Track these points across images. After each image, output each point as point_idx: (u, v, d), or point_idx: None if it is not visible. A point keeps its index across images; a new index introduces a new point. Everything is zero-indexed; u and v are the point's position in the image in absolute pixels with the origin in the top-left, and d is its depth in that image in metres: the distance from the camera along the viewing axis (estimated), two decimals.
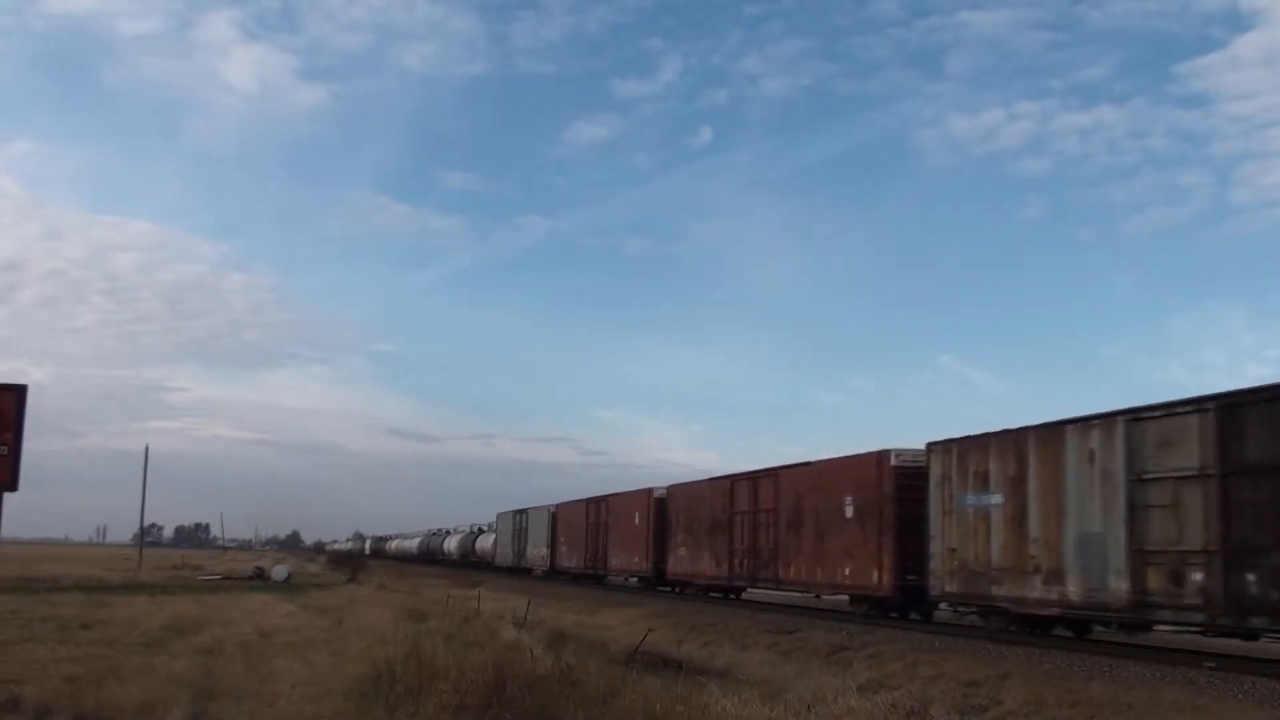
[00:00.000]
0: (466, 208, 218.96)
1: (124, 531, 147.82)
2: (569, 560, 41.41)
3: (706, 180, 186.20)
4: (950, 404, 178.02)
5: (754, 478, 26.23)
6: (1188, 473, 13.46)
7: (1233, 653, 14.34)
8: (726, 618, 21.79)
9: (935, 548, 18.52)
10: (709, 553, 28.24)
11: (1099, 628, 16.49)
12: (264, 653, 14.17)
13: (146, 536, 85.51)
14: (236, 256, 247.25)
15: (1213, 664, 13.27)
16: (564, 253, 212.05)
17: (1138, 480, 14.18)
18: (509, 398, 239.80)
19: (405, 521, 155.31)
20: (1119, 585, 14.35)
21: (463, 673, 10.22)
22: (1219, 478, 13.01)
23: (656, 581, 32.46)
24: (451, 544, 64.73)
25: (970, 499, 17.61)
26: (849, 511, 21.19)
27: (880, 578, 20.09)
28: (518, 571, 48.02)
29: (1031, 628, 16.81)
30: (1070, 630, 16.81)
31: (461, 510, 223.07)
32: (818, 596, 24.46)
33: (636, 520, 33.87)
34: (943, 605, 19.34)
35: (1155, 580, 13.82)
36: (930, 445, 18.99)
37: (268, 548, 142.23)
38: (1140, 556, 14.05)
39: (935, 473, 18.68)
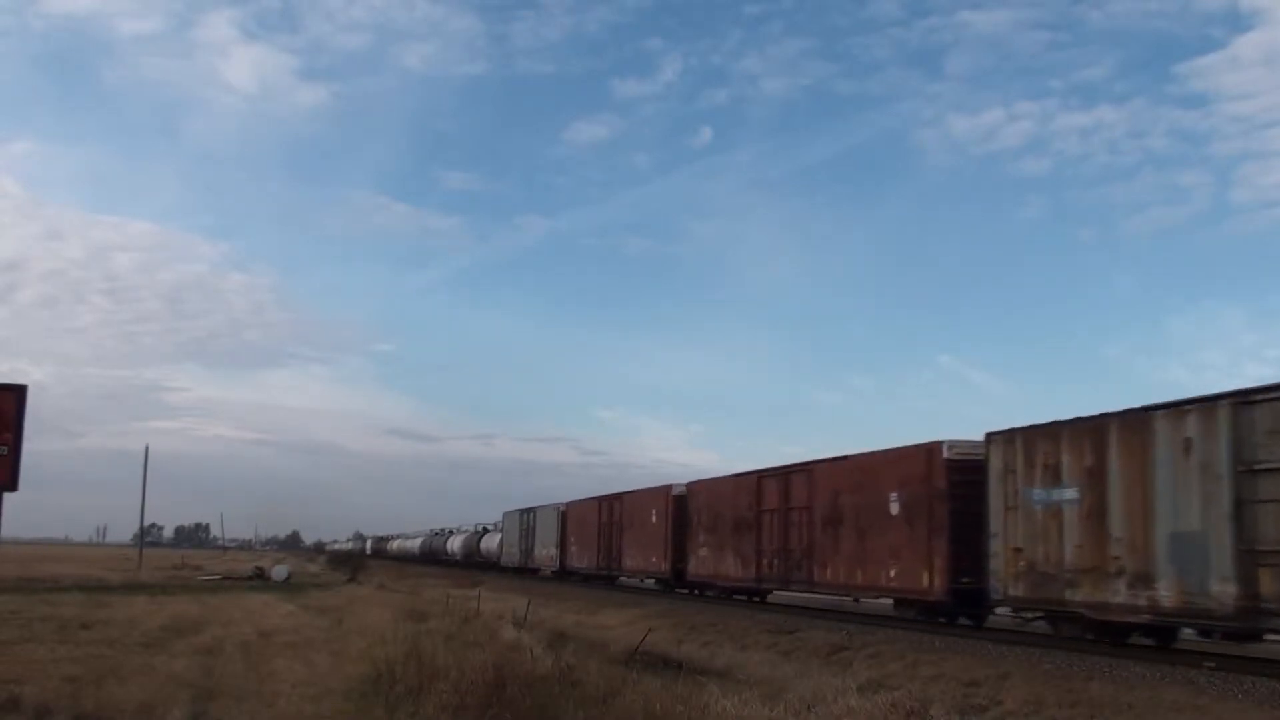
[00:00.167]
0: (466, 208, 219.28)
1: (124, 531, 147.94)
2: (580, 561, 40.16)
3: (706, 180, 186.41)
4: (950, 404, 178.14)
5: (785, 473, 24.64)
6: None
7: (1233, 653, 14.29)
8: (726, 618, 21.78)
9: (996, 547, 16.98)
10: (734, 553, 26.73)
11: (1191, 635, 15.26)
12: (264, 653, 14.17)
13: (146, 536, 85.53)
14: (236, 256, 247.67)
15: (1213, 664, 13.23)
16: (564, 253, 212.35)
17: (1246, 472, 12.75)
18: (509, 398, 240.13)
19: (405, 521, 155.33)
20: (1224, 590, 12.91)
21: (463, 673, 10.22)
22: None
23: (675, 583, 31.18)
24: (455, 544, 63.92)
25: (1038, 494, 16.12)
26: (894, 508, 19.71)
27: (931, 580, 18.54)
28: (525, 572, 47.04)
29: (1110, 635, 15.34)
30: (1151, 638, 15.47)
31: (461, 510, 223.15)
32: (856, 600, 23.04)
33: (653, 519, 32.46)
34: (1002, 610, 17.91)
35: (1269, 584, 12.39)
36: (990, 435, 17.44)
37: (268, 548, 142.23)
38: (1250, 557, 12.61)
39: (996, 465, 17.15)
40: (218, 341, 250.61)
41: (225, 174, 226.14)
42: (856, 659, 15.34)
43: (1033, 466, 16.33)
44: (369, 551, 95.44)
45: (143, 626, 17.15)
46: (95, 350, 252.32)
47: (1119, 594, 14.54)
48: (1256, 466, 12.71)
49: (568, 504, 42.46)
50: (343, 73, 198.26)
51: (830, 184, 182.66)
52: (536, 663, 11.90)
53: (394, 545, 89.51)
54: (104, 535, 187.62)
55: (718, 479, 28.93)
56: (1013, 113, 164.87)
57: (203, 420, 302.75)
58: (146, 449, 48.05)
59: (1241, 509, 12.83)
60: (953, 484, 18.21)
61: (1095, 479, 15.07)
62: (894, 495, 19.77)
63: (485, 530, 58.72)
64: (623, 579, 36.74)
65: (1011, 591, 16.80)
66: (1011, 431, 16.94)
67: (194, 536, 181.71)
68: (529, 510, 47.71)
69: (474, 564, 57.34)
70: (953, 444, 18.41)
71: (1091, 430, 15.27)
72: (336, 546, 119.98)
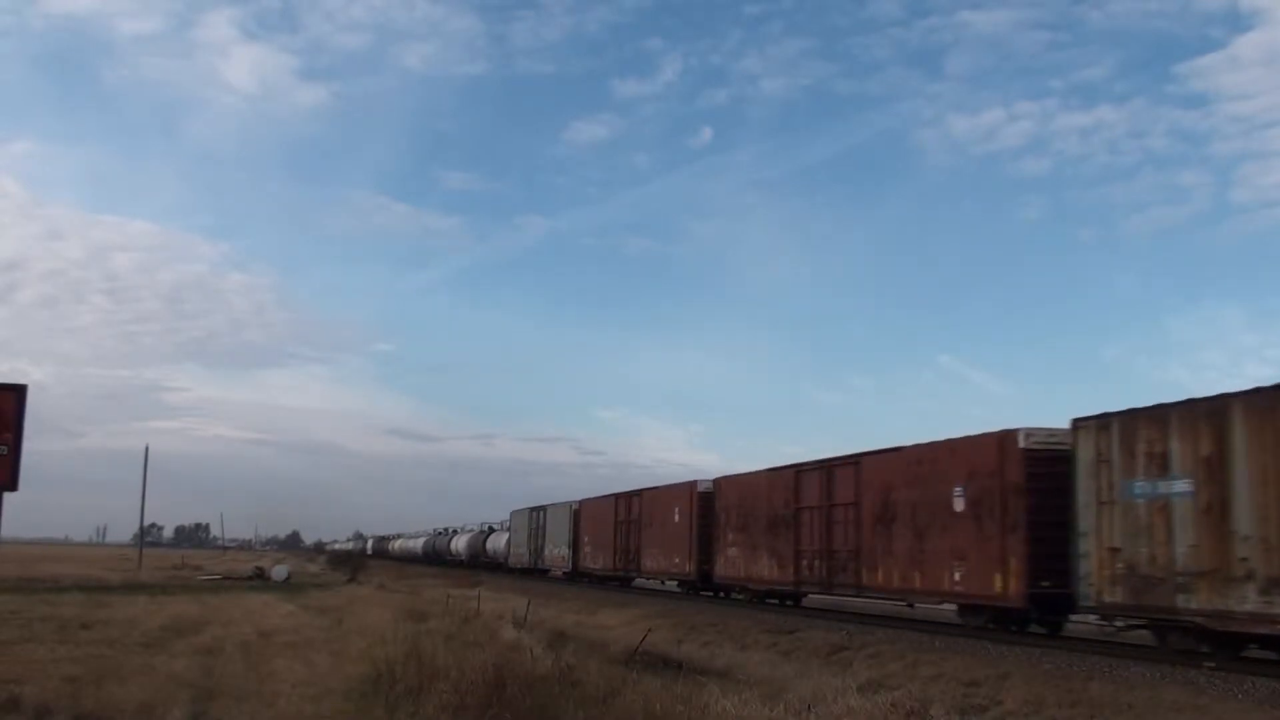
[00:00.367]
0: (466, 208, 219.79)
1: (124, 531, 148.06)
2: (595, 561, 38.34)
3: (706, 180, 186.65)
4: (950, 404, 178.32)
5: (827, 466, 22.86)
6: None
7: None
8: (726, 618, 21.78)
9: (1087, 547, 15.25)
10: (767, 553, 24.99)
11: None
12: (264, 653, 14.16)
13: (146, 536, 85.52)
14: (236, 256, 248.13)
15: (1213, 664, 13.22)
16: (564, 253, 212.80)
17: None
18: (509, 398, 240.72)
19: (405, 521, 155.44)
20: None
21: (463, 673, 10.21)
22: None
23: (701, 585, 29.58)
24: (460, 544, 62.73)
25: (1140, 487, 14.35)
26: (959, 504, 18.07)
27: (1006, 584, 16.85)
28: (534, 573, 45.49)
29: (1229, 648, 13.62)
30: (1272, 649, 13.59)
31: (462, 510, 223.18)
32: (910, 606, 21.28)
33: (676, 517, 30.72)
34: (1081, 616, 16.45)
35: None
36: (1078, 422, 15.68)
37: (268, 548, 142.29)
38: None
39: (1085, 455, 15.38)
40: (218, 341, 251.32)
41: (225, 174, 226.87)
42: (856, 659, 15.35)
43: (1133, 456, 14.52)
44: (370, 551, 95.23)
45: (143, 626, 17.15)
46: (95, 350, 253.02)
47: (1247, 601, 12.73)
48: None
49: (581, 501, 40.87)
50: (343, 73, 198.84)
51: (830, 184, 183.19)
52: (536, 663, 11.89)
53: (396, 545, 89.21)
54: (104, 535, 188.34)
55: (749, 474, 27.21)
56: (1013, 113, 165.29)
57: (203, 420, 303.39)
58: (146, 449, 48.11)
59: None
60: (1030, 476, 16.60)
61: (1215, 469, 13.30)
62: (958, 490, 18.16)
63: (491, 530, 57.49)
64: (640, 581, 35.22)
65: (1107, 597, 14.97)
66: (1105, 417, 15.15)
67: (194, 536, 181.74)
68: (539, 509, 46.05)
69: (480, 564, 55.95)
70: (1030, 432, 16.91)
71: (1209, 413, 13.48)
72: (336, 546, 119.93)
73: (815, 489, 23.23)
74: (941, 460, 18.83)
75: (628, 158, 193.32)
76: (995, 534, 17.13)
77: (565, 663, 11.86)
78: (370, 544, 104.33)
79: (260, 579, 39.95)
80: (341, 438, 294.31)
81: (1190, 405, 13.87)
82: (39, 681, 10.69)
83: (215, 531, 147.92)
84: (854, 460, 21.78)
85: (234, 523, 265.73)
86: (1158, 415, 14.27)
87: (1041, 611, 17.12)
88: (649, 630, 17.71)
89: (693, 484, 30.25)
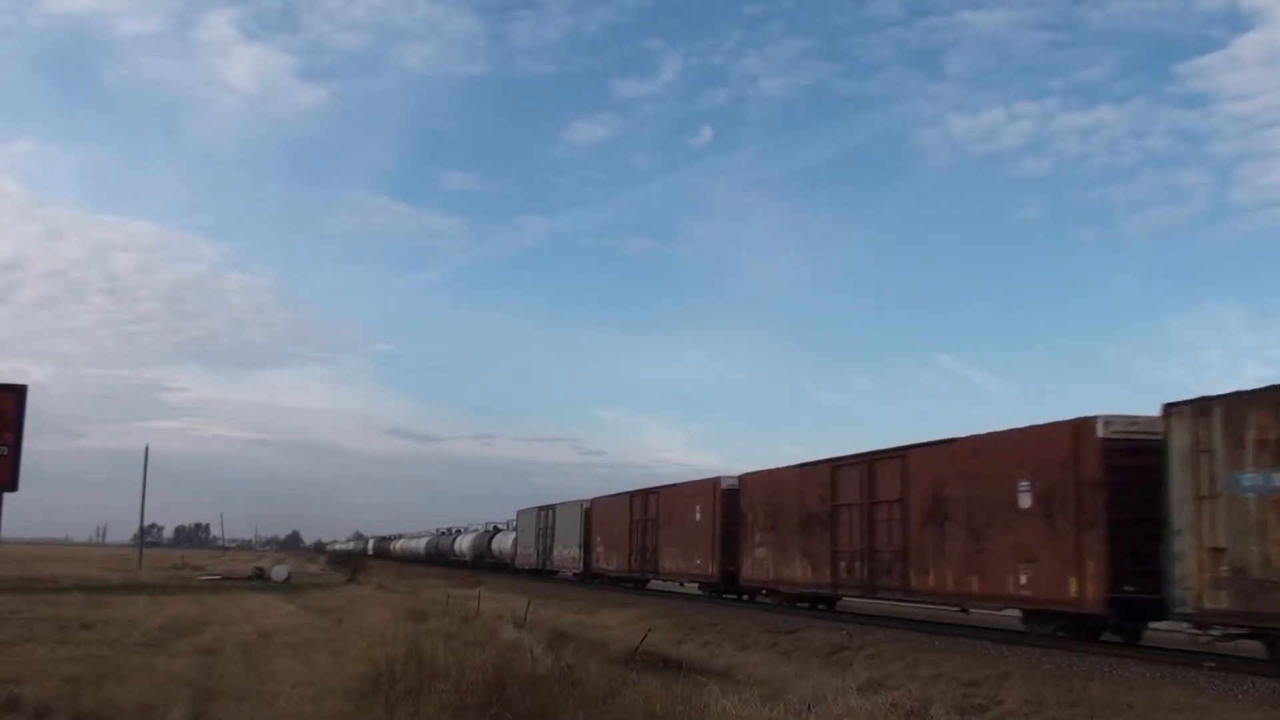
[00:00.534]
0: (466, 208, 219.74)
1: (124, 531, 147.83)
2: (608, 562, 36.73)
3: (706, 180, 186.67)
4: (950, 404, 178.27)
5: (868, 460, 21.26)
6: None
7: (1232, 653, 14.13)
8: (726, 618, 21.78)
9: (1183, 547, 13.58)
10: (800, 554, 23.47)
11: None
12: (264, 653, 14.17)
13: (146, 536, 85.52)
14: (236, 256, 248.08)
15: (1213, 664, 13.20)
16: (564, 253, 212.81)
17: None
18: (509, 398, 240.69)
19: (405, 522, 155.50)
20: None
21: (463, 673, 10.22)
22: None
23: (725, 587, 28.01)
24: (464, 544, 61.50)
25: (1251, 479, 12.68)
26: (1024, 500, 16.60)
27: (1082, 588, 15.28)
28: (542, 574, 43.98)
29: None
30: None
31: (462, 510, 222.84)
32: (965, 611, 19.66)
33: (698, 516, 29.13)
34: (1185, 626, 14.68)
35: None
36: (1170, 407, 14.02)
37: (268, 548, 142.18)
38: None
39: (1181, 444, 13.71)
40: (218, 341, 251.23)
41: (225, 174, 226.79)
42: (856, 659, 15.35)
43: (1241, 445, 12.83)
44: (370, 552, 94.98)
45: (143, 626, 17.14)
46: (95, 350, 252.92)
47: None
48: None
49: (593, 500, 39.28)
50: (343, 73, 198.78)
51: (830, 184, 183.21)
52: (536, 663, 11.89)
53: (398, 545, 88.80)
54: (104, 535, 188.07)
55: (778, 470, 25.75)
56: (1013, 113, 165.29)
57: (203, 420, 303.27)
58: (146, 449, 48.02)
59: None
60: (1109, 469, 15.08)
61: None
62: (1024, 484, 16.66)
63: (496, 530, 55.78)
64: (657, 583, 33.76)
65: (1208, 604, 13.26)
66: (1205, 401, 13.51)
67: (194, 537, 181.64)
68: (547, 508, 44.46)
69: (484, 565, 54.43)
70: (1109, 419, 15.35)
71: None
72: (337, 547, 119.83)
73: (855, 485, 21.71)
74: (1003, 453, 17.34)
75: (628, 158, 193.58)
76: (1069, 533, 15.59)
77: (565, 663, 11.87)
78: (371, 544, 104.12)
79: (260, 579, 39.92)
80: (341, 438, 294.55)
81: None
82: (39, 681, 10.69)
83: (215, 532, 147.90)
84: (899, 453, 20.23)
85: (234, 523, 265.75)
86: (1272, 398, 12.57)
87: (1122, 618, 15.74)
88: (649, 630, 17.71)
89: (716, 480, 28.71)
